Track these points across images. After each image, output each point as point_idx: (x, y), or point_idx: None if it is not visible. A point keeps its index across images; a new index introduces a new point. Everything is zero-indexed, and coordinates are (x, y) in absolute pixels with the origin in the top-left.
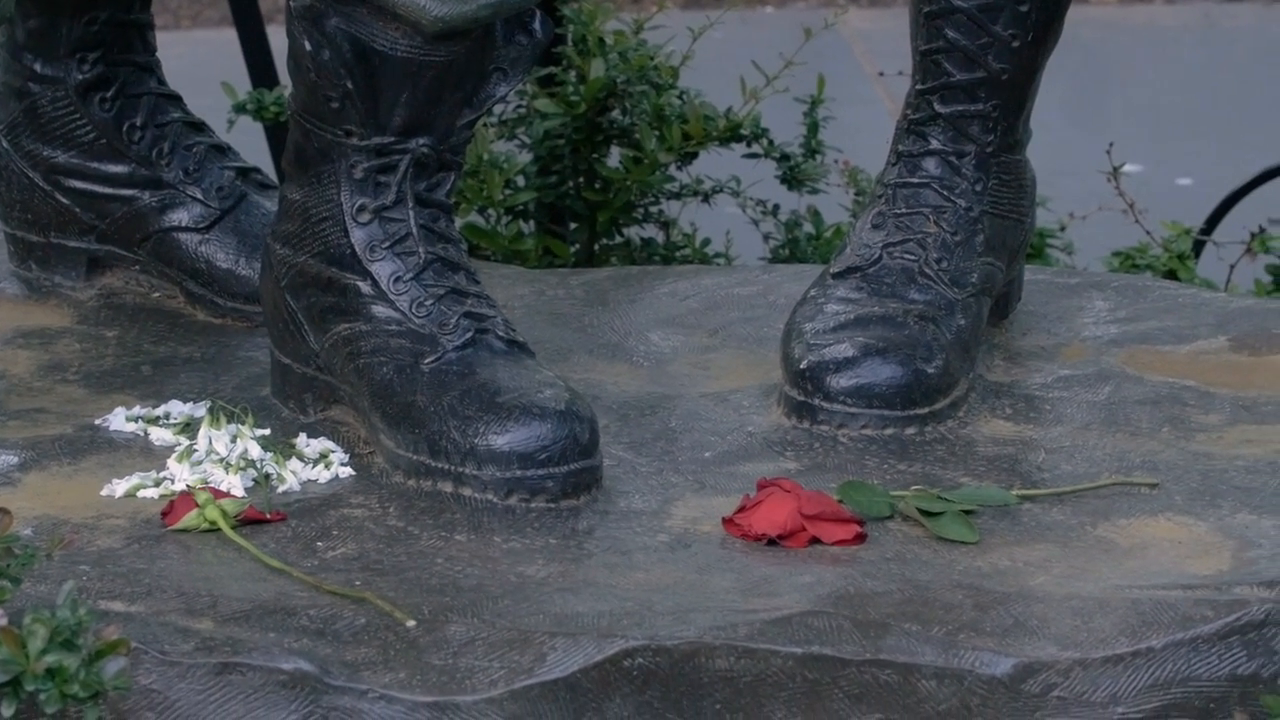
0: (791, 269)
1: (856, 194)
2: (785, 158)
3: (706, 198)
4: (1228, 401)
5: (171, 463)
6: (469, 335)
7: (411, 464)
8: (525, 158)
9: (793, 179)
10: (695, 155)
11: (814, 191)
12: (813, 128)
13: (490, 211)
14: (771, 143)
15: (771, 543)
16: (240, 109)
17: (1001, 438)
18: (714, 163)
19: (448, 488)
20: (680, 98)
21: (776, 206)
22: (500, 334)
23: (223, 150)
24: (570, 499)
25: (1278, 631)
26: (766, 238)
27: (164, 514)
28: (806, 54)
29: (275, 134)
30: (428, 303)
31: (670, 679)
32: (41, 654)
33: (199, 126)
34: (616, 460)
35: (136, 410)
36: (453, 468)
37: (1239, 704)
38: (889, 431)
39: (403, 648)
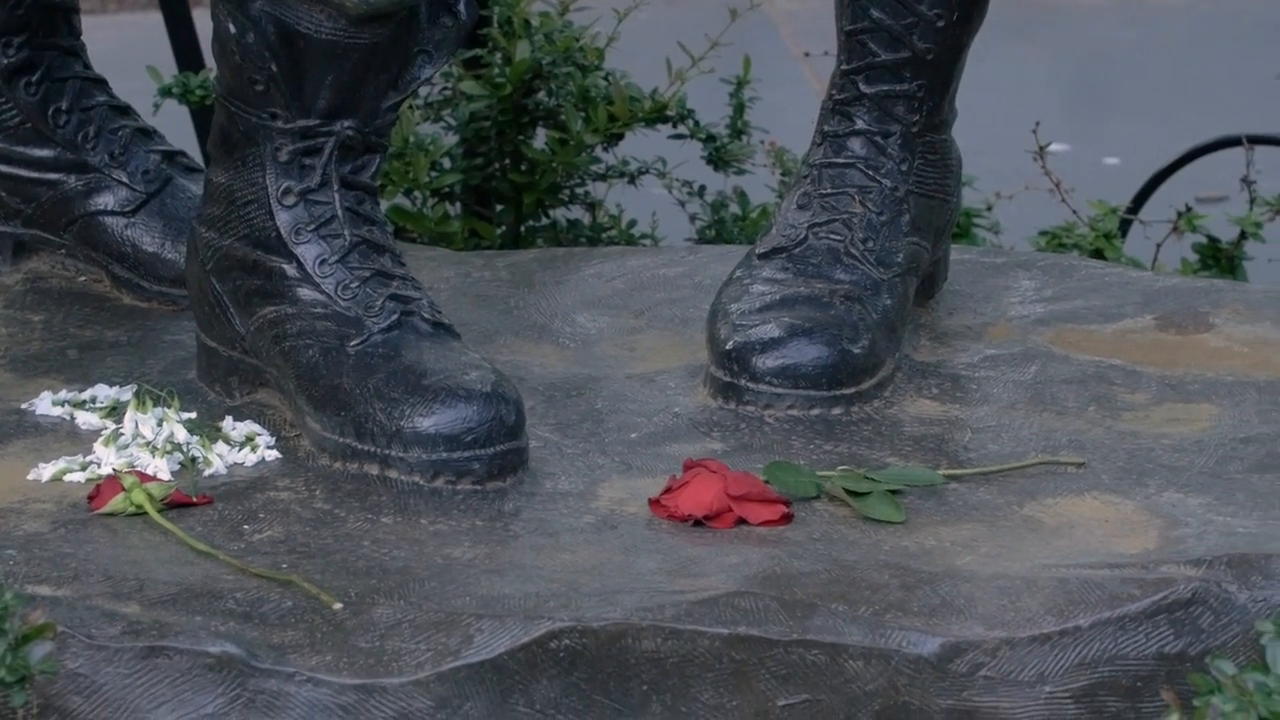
0: (717, 250)
1: (782, 174)
2: (711, 139)
3: (632, 179)
4: (1154, 380)
5: (98, 447)
6: (394, 318)
7: (338, 447)
8: (451, 140)
9: (719, 160)
10: (621, 137)
11: (740, 172)
12: (739, 109)
13: (416, 194)
14: (697, 124)
15: (698, 524)
16: (166, 92)
17: (928, 417)
18: (640, 144)
19: (374, 470)
20: (606, 79)
21: (703, 187)
22: (426, 316)
23: (148, 134)
24: (496, 481)
25: (1204, 610)
26: (693, 219)
27: (90, 498)
28: (732, 35)
29: (201, 117)
30: (353, 285)
31: (597, 660)
32: None
33: (124, 110)
34: (543, 442)
35: (63, 394)
36: (379, 450)
37: (1166, 683)
38: (815, 412)
39: (329, 630)
